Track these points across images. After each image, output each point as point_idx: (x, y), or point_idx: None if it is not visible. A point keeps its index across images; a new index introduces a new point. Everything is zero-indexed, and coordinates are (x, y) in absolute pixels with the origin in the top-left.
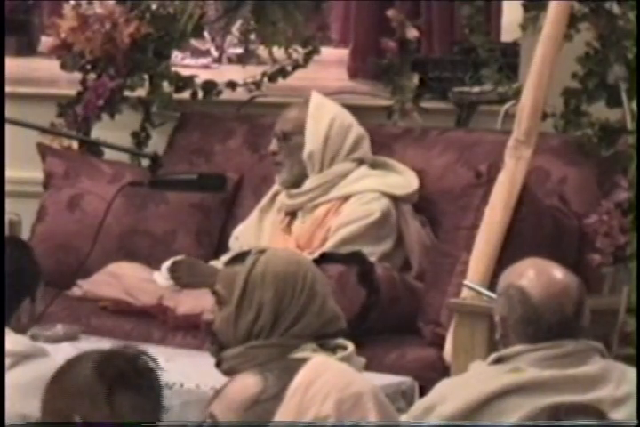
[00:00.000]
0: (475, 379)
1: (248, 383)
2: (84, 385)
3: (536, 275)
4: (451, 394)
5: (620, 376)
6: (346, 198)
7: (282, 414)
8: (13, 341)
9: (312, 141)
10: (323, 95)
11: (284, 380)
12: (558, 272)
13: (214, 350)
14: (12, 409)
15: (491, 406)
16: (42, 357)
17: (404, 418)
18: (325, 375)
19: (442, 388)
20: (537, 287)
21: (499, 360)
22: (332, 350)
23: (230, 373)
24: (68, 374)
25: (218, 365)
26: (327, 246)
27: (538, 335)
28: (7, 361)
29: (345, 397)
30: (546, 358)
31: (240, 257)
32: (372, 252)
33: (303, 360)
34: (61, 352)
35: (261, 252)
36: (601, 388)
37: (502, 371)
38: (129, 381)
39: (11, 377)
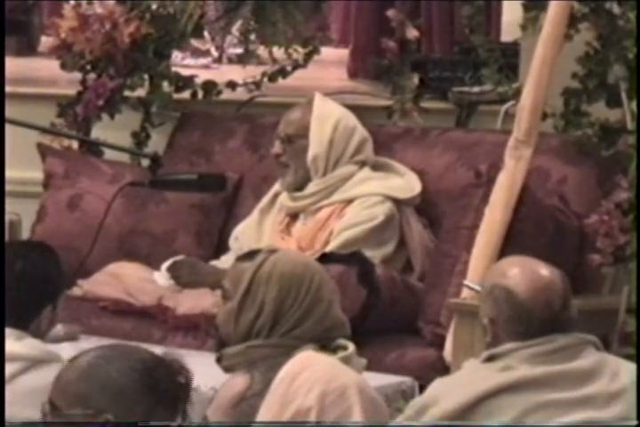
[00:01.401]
0: (466, 379)
1: (236, 382)
2: (127, 388)
3: (519, 273)
4: (442, 395)
5: (614, 370)
6: (349, 201)
7: (266, 406)
8: (29, 344)
9: (316, 145)
10: (325, 96)
11: (269, 376)
12: (541, 268)
13: (215, 344)
14: (21, 415)
15: (482, 405)
16: (55, 362)
17: (400, 419)
18: (311, 368)
19: (433, 389)
20: (522, 285)
21: (490, 359)
22: (333, 350)
23: (230, 370)
24: (106, 369)
25: (218, 360)
26: (329, 249)
27: (529, 333)
28: (20, 365)
29: (329, 389)
30: (537, 354)
31: (252, 254)
32: (374, 255)
33: (291, 356)
34: (61, 352)
35: (272, 251)
36: (594, 382)
37: (494, 370)
38: (170, 397)
39: (23, 382)
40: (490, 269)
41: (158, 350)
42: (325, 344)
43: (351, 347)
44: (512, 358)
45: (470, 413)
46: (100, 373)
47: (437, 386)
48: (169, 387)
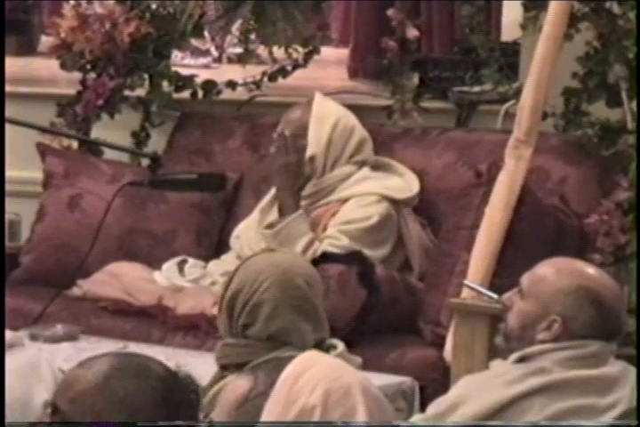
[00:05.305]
0: (500, 379)
1: (239, 384)
2: (144, 407)
3: (600, 274)
4: (473, 394)
5: (634, 378)
6: (345, 201)
7: (270, 405)
8: None
9: (314, 145)
10: (325, 96)
11: (272, 376)
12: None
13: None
14: None
15: (515, 406)
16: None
17: (421, 417)
18: (315, 367)
19: (464, 387)
20: (608, 287)
21: (522, 359)
22: (326, 350)
23: (222, 368)
24: (123, 385)
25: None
26: (322, 248)
27: (612, 333)
28: None
29: (333, 388)
30: (572, 357)
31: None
32: (371, 256)
33: (294, 357)
34: (61, 352)
35: (268, 250)
36: (621, 389)
37: (527, 371)
38: (183, 416)
39: None
40: (557, 267)
41: (171, 363)
42: (318, 345)
43: (340, 346)
44: (545, 359)
45: (502, 413)
46: (117, 388)
47: (467, 385)
48: (185, 407)
